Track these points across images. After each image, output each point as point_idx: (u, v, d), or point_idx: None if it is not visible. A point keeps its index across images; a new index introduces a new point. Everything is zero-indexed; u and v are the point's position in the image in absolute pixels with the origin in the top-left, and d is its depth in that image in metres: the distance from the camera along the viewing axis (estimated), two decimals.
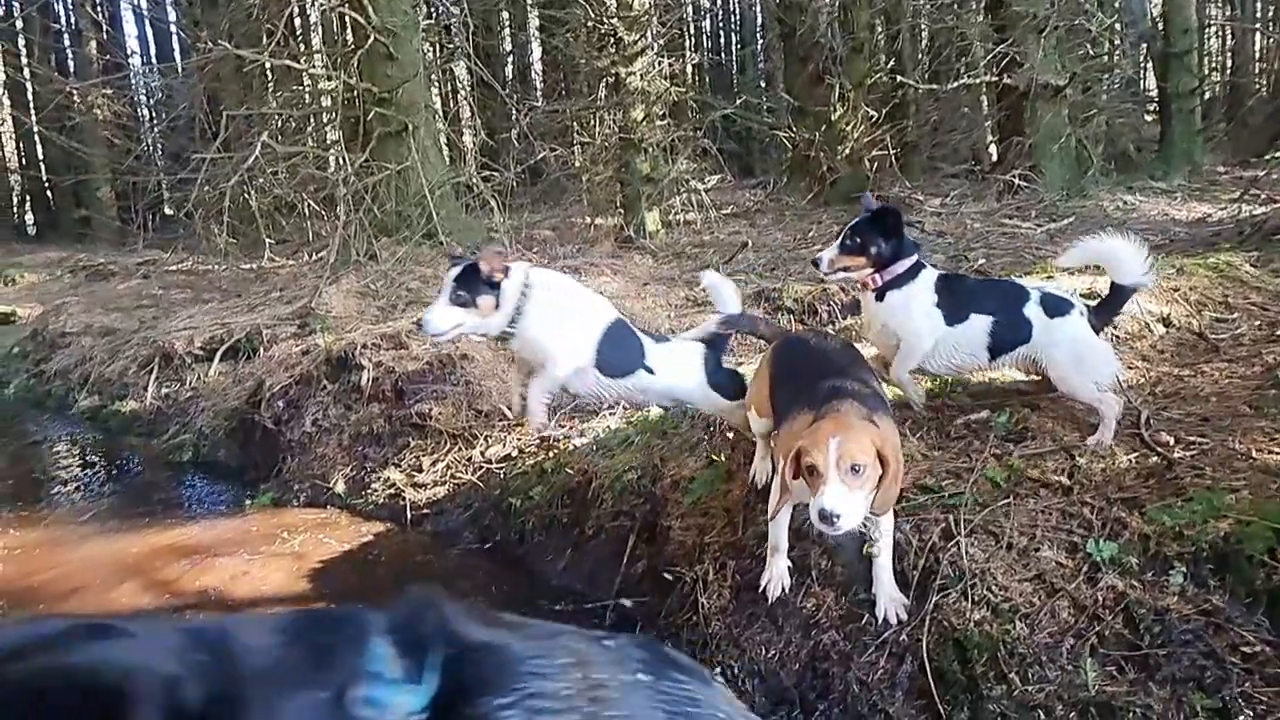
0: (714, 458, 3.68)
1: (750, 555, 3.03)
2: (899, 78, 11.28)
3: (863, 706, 2.55)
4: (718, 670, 2.81)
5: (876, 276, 3.30)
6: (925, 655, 2.52)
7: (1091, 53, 12.09)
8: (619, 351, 3.45)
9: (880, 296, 3.31)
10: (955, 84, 11.21)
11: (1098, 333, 3.27)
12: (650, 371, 3.48)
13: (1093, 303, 3.42)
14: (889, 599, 2.67)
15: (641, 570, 3.58)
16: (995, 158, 11.96)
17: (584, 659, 0.81)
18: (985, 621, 2.52)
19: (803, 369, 2.78)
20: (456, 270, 3.24)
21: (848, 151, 11.27)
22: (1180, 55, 11.88)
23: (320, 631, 0.75)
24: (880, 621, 2.65)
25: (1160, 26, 12.60)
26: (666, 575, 3.34)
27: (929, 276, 3.31)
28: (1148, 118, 15.22)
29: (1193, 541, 2.47)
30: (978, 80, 10.96)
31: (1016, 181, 9.93)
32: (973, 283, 3.59)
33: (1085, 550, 2.59)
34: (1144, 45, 14.06)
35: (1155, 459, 2.90)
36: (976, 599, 2.57)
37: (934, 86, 12.03)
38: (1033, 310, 3.20)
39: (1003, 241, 8.11)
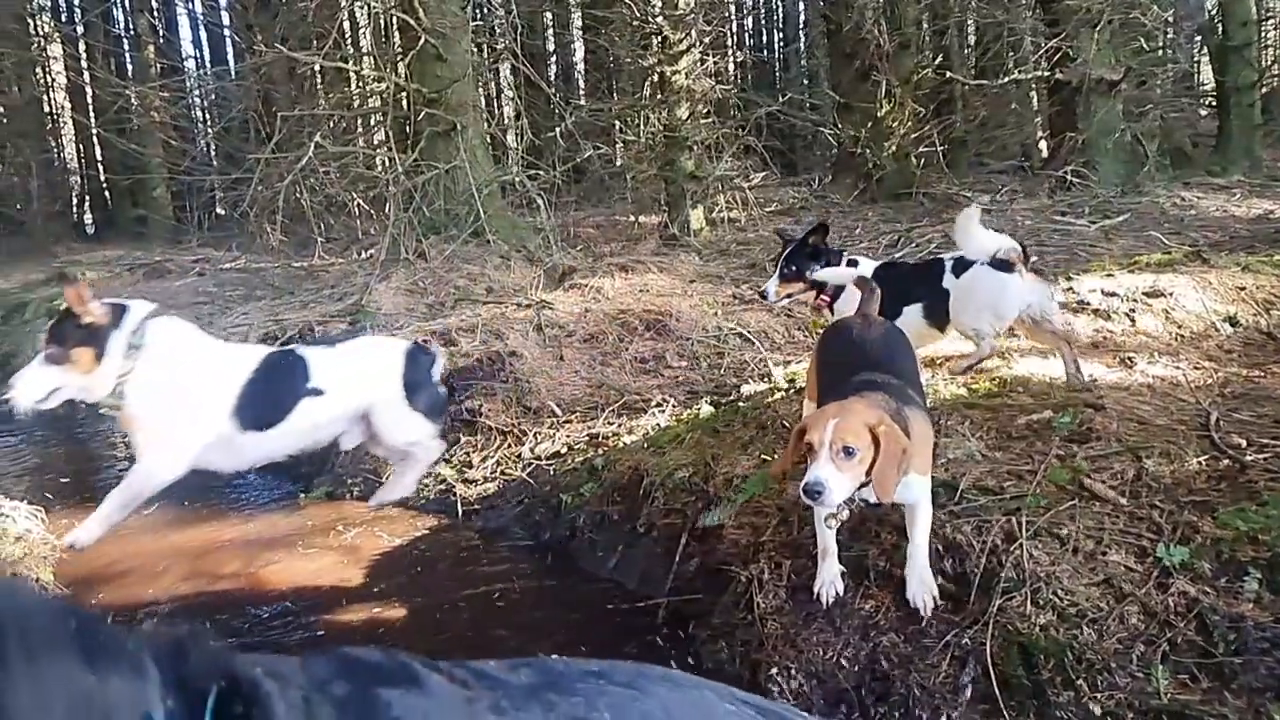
0: (767, 456, 3.66)
1: (806, 555, 3.00)
2: (948, 73, 11.10)
3: (924, 711, 2.52)
4: (774, 670, 2.80)
5: (823, 297, 3.67)
6: (989, 660, 2.48)
7: (1146, 46, 11.81)
8: (270, 391, 2.89)
9: (833, 310, 3.68)
10: (1006, 79, 11.00)
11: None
12: (318, 393, 2.92)
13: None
14: (919, 584, 2.66)
15: (694, 568, 3.57)
16: (1046, 154, 11.74)
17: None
18: (1051, 626, 2.47)
19: (843, 358, 2.83)
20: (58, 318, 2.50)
21: (894, 148, 11.13)
22: (1239, 49, 11.53)
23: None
24: (912, 608, 2.68)
25: (1218, 19, 12.25)
26: (720, 573, 3.34)
27: (857, 273, 3.52)
28: (1203, 112, 14.82)
29: (1268, 547, 2.41)
30: (1029, 76, 10.75)
31: (1069, 178, 9.73)
32: (903, 271, 3.86)
33: (1155, 555, 2.53)
34: (1200, 38, 13.70)
35: (1226, 462, 2.83)
36: (1042, 603, 2.52)
37: (984, 82, 11.82)
38: (948, 279, 3.58)
39: (1055, 239, 7.96)
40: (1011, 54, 13.17)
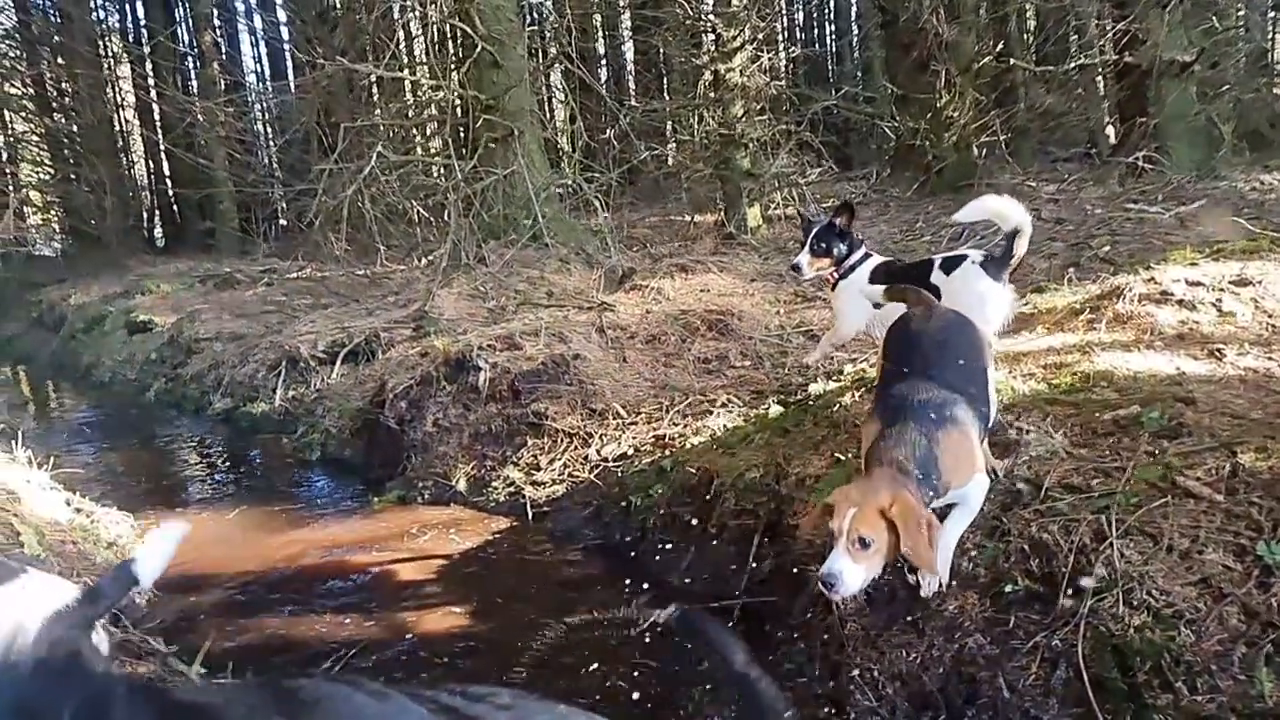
0: (840, 456, 3.62)
1: None
2: (1011, 60, 10.84)
3: (1014, 714, 2.46)
4: (855, 672, 2.77)
5: (834, 271, 4.04)
6: (1081, 661, 2.42)
7: (1219, 26, 11.36)
8: None
9: (834, 286, 4.08)
10: (1072, 65, 10.70)
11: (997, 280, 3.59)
12: None
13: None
14: (929, 567, 2.61)
15: (769, 570, 3.55)
16: (1115, 140, 11.39)
17: None
18: (1146, 627, 2.40)
19: (896, 358, 2.81)
20: None
21: (954, 139, 10.91)
22: None
23: None
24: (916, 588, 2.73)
25: None
26: (796, 573, 3.31)
27: (868, 267, 4.00)
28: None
29: None
30: (1095, 60, 10.44)
31: (1140, 164, 9.42)
32: (898, 270, 4.01)
33: (1255, 553, 2.44)
34: (1276, 16, 13.14)
35: None
36: (1136, 604, 2.45)
37: (1049, 68, 11.50)
38: (937, 276, 3.74)
39: (1128, 227, 7.72)
40: (1075, 38, 12.81)
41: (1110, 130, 12.40)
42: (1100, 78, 12.57)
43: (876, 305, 3.95)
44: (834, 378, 4.58)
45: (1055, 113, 12.61)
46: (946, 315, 2.95)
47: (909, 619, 2.78)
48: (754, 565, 3.62)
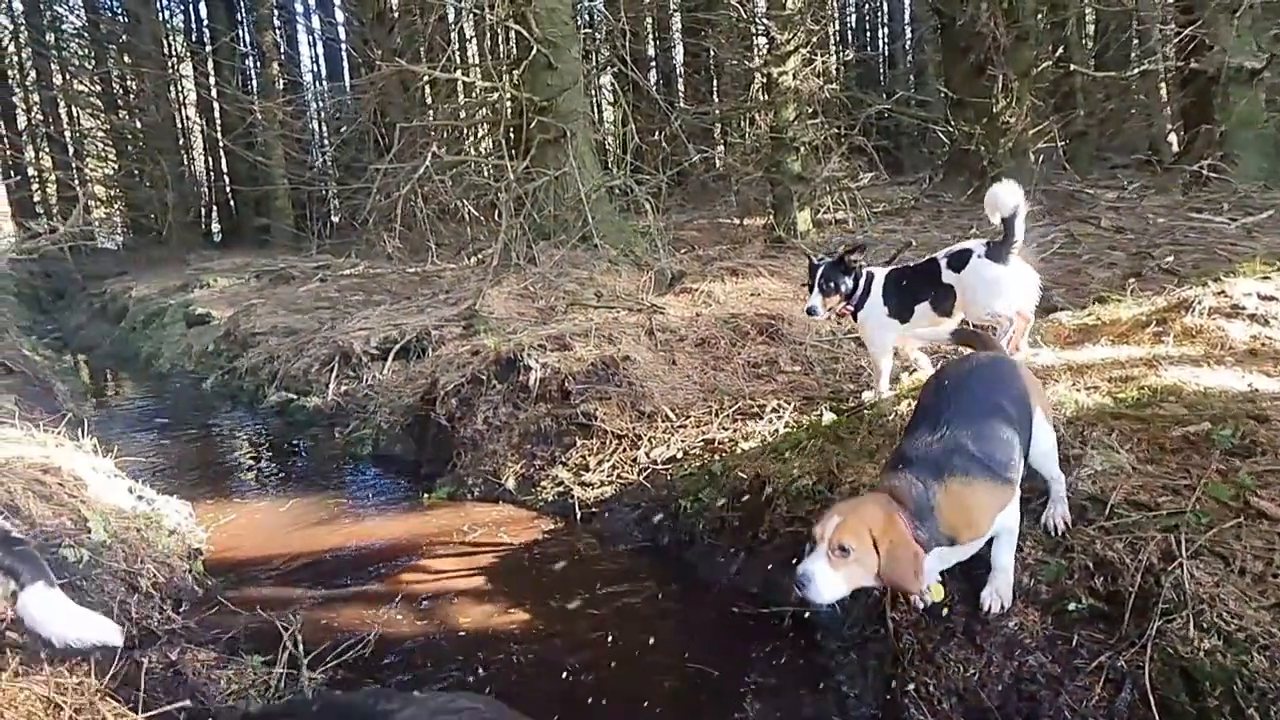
0: None
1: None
2: (1072, 65, 10.62)
3: None
4: (910, 686, 2.74)
5: (847, 305, 4.17)
6: (1148, 684, 2.36)
7: None
8: None
9: (855, 317, 4.22)
10: (1136, 70, 10.45)
11: (1005, 263, 3.79)
12: None
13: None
14: (994, 594, 2.71)
15: None
16: (1178, 147, 11.11)
17: None
18: (1217, 651, 2.33)
19: (920, 406, 2.77)
20: None
21: (1010, 144, 10.73)
22: None
23: None
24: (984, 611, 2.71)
25: None
26: None
27: (879, 287, 4.14)
28: None
29: None
30: (1160, 66, 10.19)
31: (1205, 172, 9.18)
32: (909, 272, 4.16)
33: None
34: None
35: None
36: (1206, 626, 2.38)
37: (1112, 74, 11.26)
38: (947, 275, 3.92)
39: (1192, 237, 7.53)
40: (1137, 44, 12.53)
41: (1172, 137, 12.10)
42: (1163, 84, 12.28)
43: (903, 320, 4.12)
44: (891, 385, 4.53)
45: (1115, 119, 12.35)
46: (980, 362, 2.84)
47: (967, 634, 2.73)
48: None
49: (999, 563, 2.71)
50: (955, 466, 2.48)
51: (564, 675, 3.26)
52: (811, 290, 4.16)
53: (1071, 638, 2.56)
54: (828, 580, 2.34)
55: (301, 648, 3.23)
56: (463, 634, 3.66)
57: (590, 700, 3.11)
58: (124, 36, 22.34)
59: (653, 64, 19.80)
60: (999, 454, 2.53)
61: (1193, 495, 2.72)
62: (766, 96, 9.92)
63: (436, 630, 3.72)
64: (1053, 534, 2.81)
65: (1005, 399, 2.65)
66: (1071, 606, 2.61)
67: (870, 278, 4.15)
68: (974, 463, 2.49)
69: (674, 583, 4.05)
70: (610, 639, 3.53)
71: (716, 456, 4.67)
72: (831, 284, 4.11)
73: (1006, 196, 3.71)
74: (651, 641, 3.50)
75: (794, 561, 3.70)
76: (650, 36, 19.12)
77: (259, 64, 21.42)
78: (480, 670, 3.36)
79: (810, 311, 4.16)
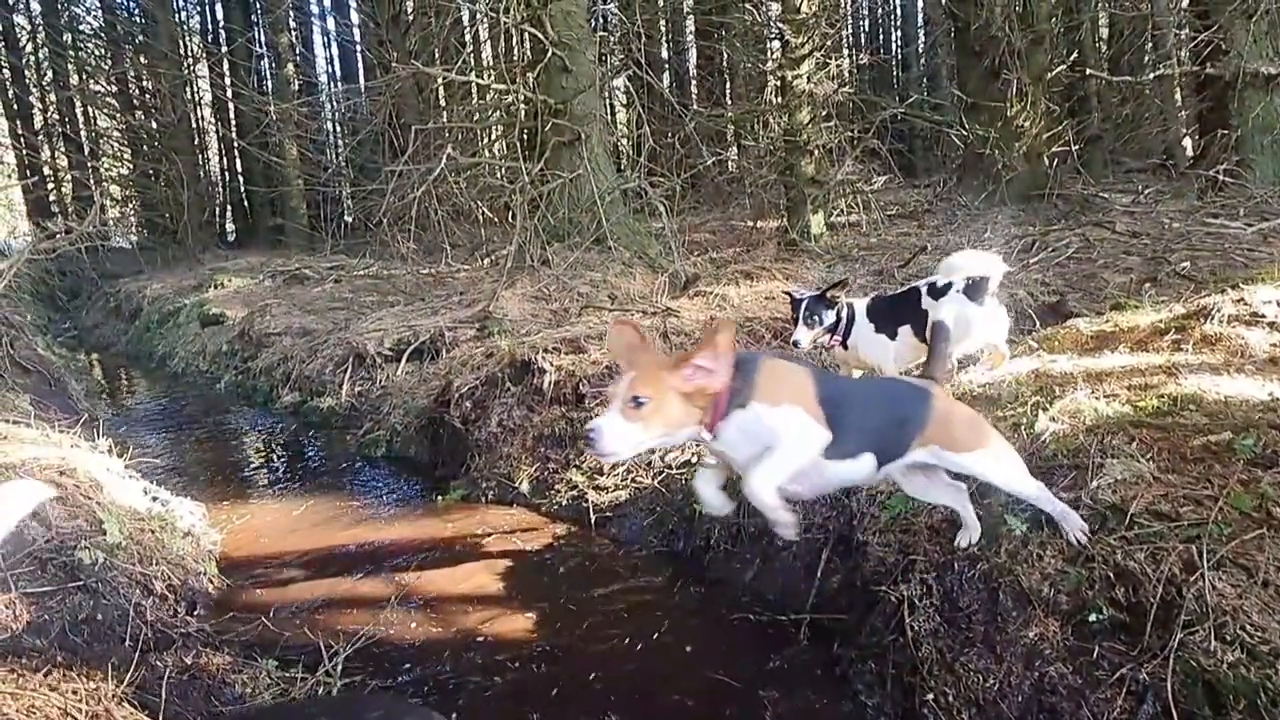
0: None
1: (962, 577, 2.91)
2: (1087, 69, 10.58)
3: None
4: (930, 695, 2.73)
5: (835, 337, 4.34)
6: (1170, 697, 2.34)
7: None
8: None
9: (845, 346, 4.37)
10: (1152, 74, 10.40)
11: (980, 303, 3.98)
12: None
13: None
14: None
15: (837, 585, 3.52)
16: (1193, 152, 11.05)
17: None
18: (1241, 664, 2.31)
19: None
20: None
21: (1024, 148, 10.70)
22: None
23: None
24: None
25: None
26: (866, 591, 3.27)
27: (862, 313, 4.33)
28: None
29: None
30: (1175, 71, 10.14)
31: (1221, 178, 9.13)
32: (890, 301, 4.39)
33: None
34: None
35: None
36: (1229, 639, 2.36)
37: (1127, 78, 11.21)
38: (926, 301, 4.11)
39: (1208, 243, 7.48)
40: (1152, 48, 12.47)
41: (1187, 142, 12.04)
42: (1178, 88, 12.22)
43: (890, 338, 4.28)
44: None
45: (1130, 123, 12.29)
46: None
47: (986, 644, 2.73)
48: (822, 581, 3.60)
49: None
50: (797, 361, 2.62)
51: (580, 680, 3.27)
52: (796, 324, 4.36)
53: (1092, 649, 2.55)
54: (616, 431, 2.24)
55: (324, 652, 3.25)
56: (479, 638, 3.67)
57: (606, 706, 3.11)
58: (140, 37, 22.49)
59: (666, 67, 19.81)
60: (850, 416, 2.53)
61: (1215, 505, 2.70)
62: (780, 99, 9.91)
63: (451, 634, 3.73)
64: (1074, 544, 2.79)
65: (897, 410, 2.66)
66: (1092, 617, 2.60)
67: (851, 308, 4.37)
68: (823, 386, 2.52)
69: (690, 588, 4.05)
70: (626, 644, 3.53)
71: None
72: (815, 317, 4.32)
73: (972, 266, 3.98)
74: (667, 647, 3.50)
75: (809, 567, 3.72)
76: (664, 39, 19.14)
77: (274, 65, 21.52)
78: (495, 674, 3.37)
79: (795, 344, 4.36)
